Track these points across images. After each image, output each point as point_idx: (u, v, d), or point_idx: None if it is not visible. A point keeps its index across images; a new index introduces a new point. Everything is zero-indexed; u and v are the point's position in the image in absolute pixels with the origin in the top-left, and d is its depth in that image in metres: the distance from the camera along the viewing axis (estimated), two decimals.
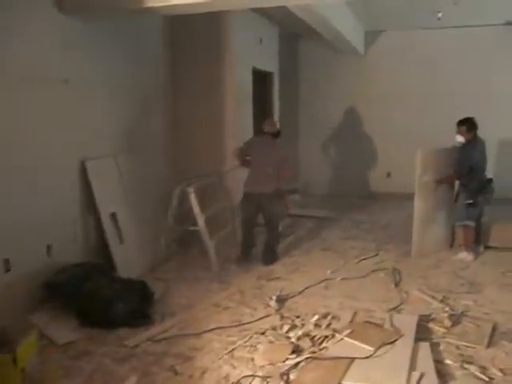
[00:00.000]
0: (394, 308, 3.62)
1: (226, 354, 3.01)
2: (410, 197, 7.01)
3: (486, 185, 4.66)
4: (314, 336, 3.15)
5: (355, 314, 3.50)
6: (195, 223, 4.55)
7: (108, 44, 4.42)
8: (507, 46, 7.00)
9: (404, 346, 2.93)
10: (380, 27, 7.36)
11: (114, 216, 4.32)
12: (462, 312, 3.51)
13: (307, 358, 2.88)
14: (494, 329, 3.25)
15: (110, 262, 4.16)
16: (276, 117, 7.00)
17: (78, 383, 2.74)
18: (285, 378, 2.71)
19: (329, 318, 3.45)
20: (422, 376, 2.63)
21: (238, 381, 2.71)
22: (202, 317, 3.56)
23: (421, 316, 3.39)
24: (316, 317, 3.43)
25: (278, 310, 3.62)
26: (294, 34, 7.60)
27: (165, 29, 5.32)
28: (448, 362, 2.86)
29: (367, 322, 3.36)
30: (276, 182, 4.57)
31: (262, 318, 3.50)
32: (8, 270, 3.39)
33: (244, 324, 3.42)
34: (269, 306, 3.70)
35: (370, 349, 2.90)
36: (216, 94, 5.37)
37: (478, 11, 6.21)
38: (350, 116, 7.87)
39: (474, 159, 4.59)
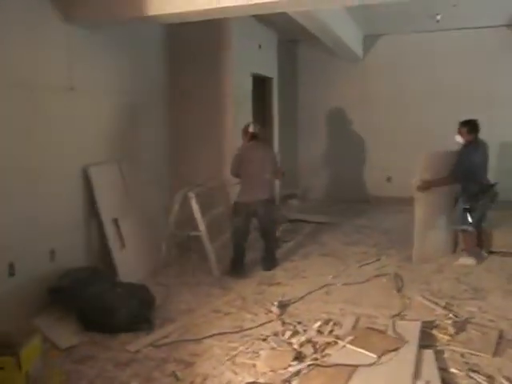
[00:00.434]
0: (397, 314, 3.59)
1: (227, 360, 2.99)
2: (410, 201, 7.04)
3: (485, 190, 4.59)
4: (316, 343, 3.12)
5: (357, 320, 3.47)
6: (196, 228, 4.53)
7: (112, 52, 4.46)
8: (508, 48, 6.97)
9: (408, 354, 2.89)
10: (379, 31, 7.37)
11: (116, 221, 4.30)
12: (467, 319, 3.47)
13: (309, 365, 2.85)
14: (499, 336, 3.20)
15: (112, 266, 4.15)
16: (275, 122, 7.00)
17: None
18: None
19: (331, 324, 3.42)
20: None
21: None
22: (202, 322, 3.53)
23: (424, 323, 3.35)
24: (318, 323, 3.41)
25: (279, 316, 3.59)
26: (292, 39, 7.61)
27: (165, 36, 5.33)
28: (453, 370, 2.82)
29: (369, 328, 3.33)
30: (272, 187, 4.55)
31: (263, 324, 3.47)
32: (12, 275, 3.41)
33: (245, 330, 3.39)
34: (270, 311, 3.67)
35: (373, 356, 2.87)
36: (216, 100, 5.37)
37: (477, 13, 6.18)
38: (348, 120, 7.85)
39: (470, 162, 4.51)
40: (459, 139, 4.62)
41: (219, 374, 2.83)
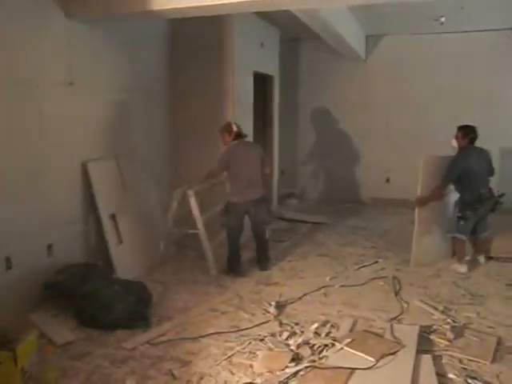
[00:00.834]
0: (395, 318, 3.58)
1: (224, 359, 2.97)
2: (408, 203, 7.04)
3: (483, 200, 4.47)
4: (314, 344, 3.10)
5: (355, 322, 3.46)
6: (194, 226, 4.50)
7: (112, 48, 4.43)
8: (508, 50, 6.94)
9: (405, 358, 2.88)
10: (381, 31, 7.33)
11: (113, 217, 4.27)
12: (465, 324, 3.47)
13: (307, 367, 2.83)
14: (498, 343, 3.19)
15: (109, 262, 4.12)
16: (276, 121, 6.96)
17: None
18: None
19: (328, 326, 3.40)
20: None
21: None
22: (199, 321, 3.51)
23: (422, 327, 3.35)
24: (315, 325, 3.39)
25: (276, 317, 3.57)
26: (294, 37, 7.58)
27: (166, 32, 5.29)
28: (451, 376, 2.81)
29: (367, 331, 3.31)
30: (266, 185, 4.52)
31: (260, 324, 3.45)
32: (9, 268, 3.39)
33: (242, 330, 3.37)
34: (267, 311, 3.66)
35: (370, 359, 2.86)
36: (217, 97, 5.33)
37: (481, 16, 6.15)
38: (349, 120, 7.83)
39: (463, 169, 4.42)
40: (454, 144, 4.58)
41: (216, 373, 2.82)
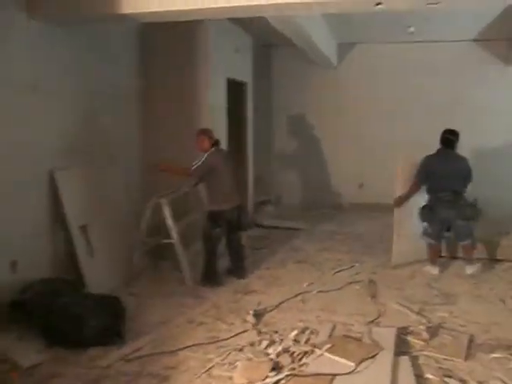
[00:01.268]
0: (372, 321, 3.60)
1: (203, 372, 2.91)
2: (382, 207, 7.15)
3: (437, 201, 4.50)
4: (294, 352, 3.08)
5: (334, 328, 3.46)
6: (169, 236, 4.43)
7: (80, 50, 4.31)
8: (473, 61, 7.24)
9: (384, 361, 2.89)
10: (353, 40, 7.47)
11: (84, 228, 4.15)
12: (439, 324, 3.53)
13: (287, 376, 2.80)
14: (470, 341, 3.27)
15: (80, 276, 4.00)
16: (250, 127, 6.97)
17: None
18: None
19: (307, 332, 3.39)
20: None
21: None
22: (176, 334, 3.44)
23: (399, 329, 3.38)
24: (294, 332, 3.37)
25: (255, 325, 3.54)
26: (268, 43, 7.62)
27: (138, 36, 5.22)
28: (428, 375, 2.85)
29: (346, 336, 3.32)
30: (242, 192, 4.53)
31: (239, 334, 3.41)
32: None
33: (221, 340, 3.32)
34: (246, 321, 3.62)
35: (350, 364, 2.85)
36: (190, 102, 5.30)
37: (445, 28, 6.38)
38: (322, 126, 7.91)
39: (427, 172, 4.52)
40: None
41: None
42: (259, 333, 3.42)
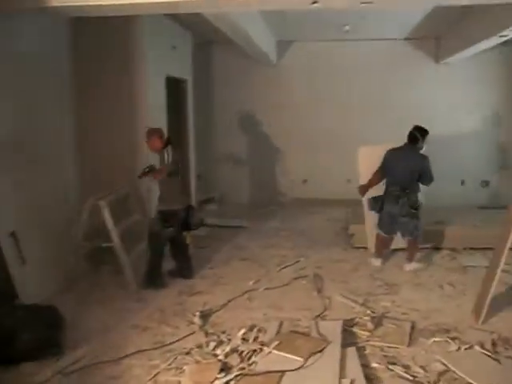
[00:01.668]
0: (319, 315, 3.64)
1: (149, 380, 2.81)
2: (326, 202, 7.33)
3: (387, 194, 4.60)
4: (242, 351, 3.04)
5: (281, 324, 3.45)
6: (109, 239, 4.24)
7: (3, 46, 3.98)
8: (406, 59, 7.53)
9: (332, 354, 2.93)
10: (291, 37, 7.54)
11: (14, 235, 3.86)
12: (383, 313, 3.63)
13: (237, 376, 2.77)
14: (412, 327, 3.40)
15: (11, 286, 3.70)
16: (191, 124, 6.85)
17: None
18: None
19: (255, 330, 3.37)
20: (352, 383, 2.64)
21: None
22: (119, 341, 3.29)
23: (345, 321, 3.44)
24: (242, 331, 3.33)
25: (202, 327, 3.46)
26: (208, 40, 7.52)
27: (70, 32, 4.92)
28: (374, 365, 2.92)
29: (294, 331, 3.33)
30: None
31: (185, 337, 3.32)
32: None
33: (167, 345, 3.22)
34: (192, 322, 3.54)
35: (299, 360, 2.86)
36: (128, 101, 5.09)
37: (381, 26, 6.58)
38: (265, 123, 7.92)
39: (383, 161, 4.66)
40: None
41: None
42: (206, 334, 3.35)
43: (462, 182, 7.64)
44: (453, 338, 3.23)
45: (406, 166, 4.52)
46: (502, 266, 3.43)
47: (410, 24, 6.48)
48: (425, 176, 4.56)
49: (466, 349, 3.10)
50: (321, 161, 7.72)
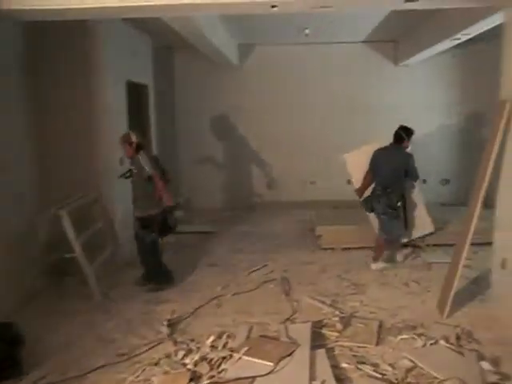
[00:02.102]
0: (288, 318, 3.64)
1: None
2: (293, 205, 7.38)
3: (373, 193, 4.67)
4: (212, 359, 3.00)
5: (250, 329, 3.43)
6: (71, 249, 4.10)
7: None
8: (365, 62, 7.70)
9: (302, 357, 2.93)
10: (252, 41, 7.54)
11: None
12: (351, 314, 3.67)
13: None
14: (380, 326, 3.44)
15: None
16: (153, 130, 6.75)
17: None
18: None
19: (224, 337, 3.33)
20: None
21: None
22: (84, 354, 3.18)
23: (314, 323, 3.45)
24: (211, 338, 3.29)
25: (170, 336, 3.40)
26: (168, 45, 7.43)
27: (25, 37, 4.73)
28: (344, 365, 2.94)
29: (263, 336, 3.31)
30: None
31: (153, 347, 3.26)
32: None
33: (134, 356, 3.14)
34: (160, 332, 3.46)
35: (269, 364, 2.84)
36: (87, 108, 4.94)
37: (340, 30, 6.69)
38: (230, 127, 7.90)
39: (372, 162, 4.70)
40: None
41: None
42: (175, 343, 3.29)
43: (424, 181, 7.85)
44: (419, 335, 3.30)
45: (390, 166, 4.59)
46: (463, 261, 3.55)
47: (369, 27, 6.61)
48: (410, 174, 4.66)
49: (431, 344, 3.17)
50: (286, 163, 7.75)
